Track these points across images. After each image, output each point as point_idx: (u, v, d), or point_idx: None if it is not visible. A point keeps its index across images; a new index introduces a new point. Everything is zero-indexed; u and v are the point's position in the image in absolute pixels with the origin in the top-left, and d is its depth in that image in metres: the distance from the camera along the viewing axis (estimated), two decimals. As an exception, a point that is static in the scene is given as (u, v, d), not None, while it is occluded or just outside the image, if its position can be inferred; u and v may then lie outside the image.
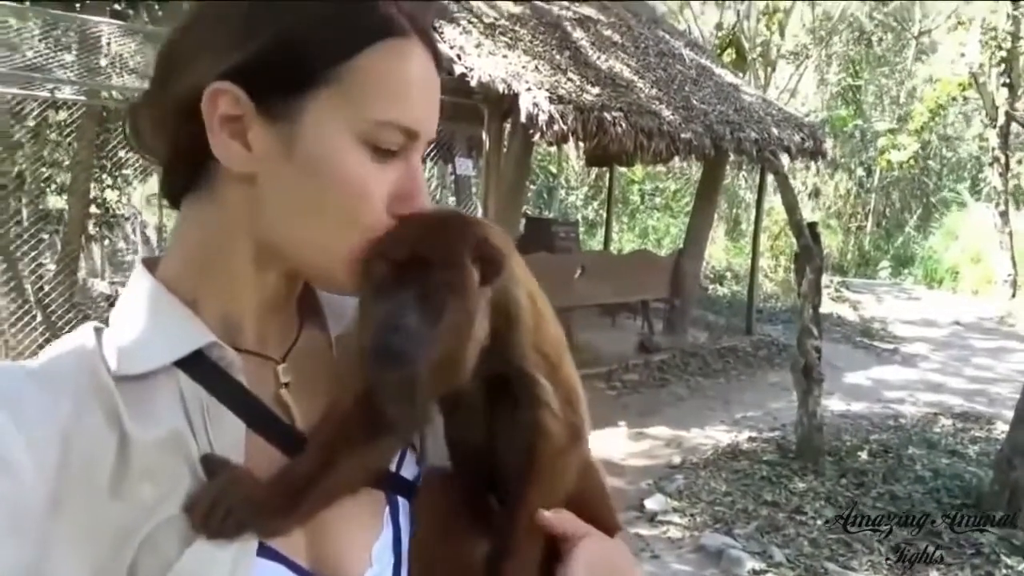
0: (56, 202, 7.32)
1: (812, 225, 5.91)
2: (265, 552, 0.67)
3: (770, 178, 9.40)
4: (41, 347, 0.71)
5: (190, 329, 0.71)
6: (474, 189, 7.68)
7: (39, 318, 5.96)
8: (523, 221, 9.78)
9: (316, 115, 0.67)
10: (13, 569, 0.59)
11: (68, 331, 0.77)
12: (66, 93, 5.90)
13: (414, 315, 0.64)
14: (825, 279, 11.06)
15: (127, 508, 0.63)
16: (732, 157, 9.20)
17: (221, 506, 0.64)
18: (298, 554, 0.69)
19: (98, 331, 0.71)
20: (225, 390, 0.70)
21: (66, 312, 5.98)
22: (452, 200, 8.42)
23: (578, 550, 0.75)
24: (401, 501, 0.77)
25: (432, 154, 8.11)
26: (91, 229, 7.72)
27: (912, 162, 17.05)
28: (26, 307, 5.92)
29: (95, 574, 0.62)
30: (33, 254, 6.11)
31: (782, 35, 17.79)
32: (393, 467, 0.78)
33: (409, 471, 0.79)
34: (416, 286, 0.65)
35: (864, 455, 5.79)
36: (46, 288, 6.11)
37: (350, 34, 0.67)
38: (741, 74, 12.64)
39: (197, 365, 0.70)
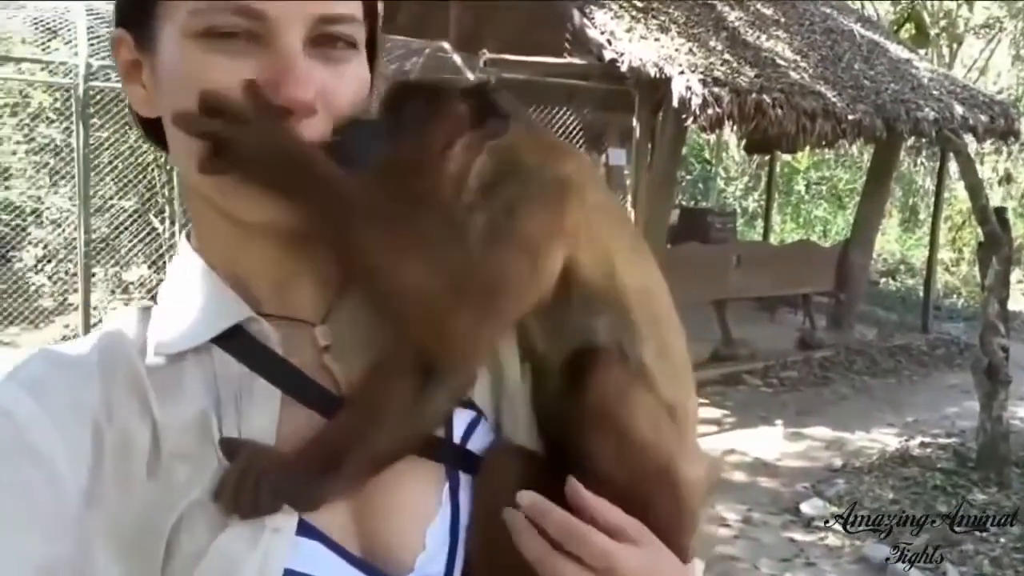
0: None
1: (1000, 210, 5.30)
2: (305, 531, 0.62)
3: (953, 165, 8.60)
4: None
5: (225, 304, 0.68)
6: (628, 181, 7.54)
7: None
8: (677, 212, 9.54)
9: (165, 30, 0.64)
10: (51, 564, 0.58)
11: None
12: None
13: (378, 125, 0.67)
14: (1017, 274, 10.00)
15: (163, 490, 0.62)
16: (909, 140, 8.49)
17: (249, 480, 0.59)
18: (342, 534, 0.64)
19: (144, 311, 0.71)
20: (259, 362, 0.66)
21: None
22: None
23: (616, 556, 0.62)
24: (464, 477, 0.69)
25: (582, 144, 8.04)
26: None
27: None
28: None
29: (133, 560, 0.60)
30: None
31: (970, 8, 16.19)
32: (458, 439, 0.70)
33: (478, 444, 0.71)
34: (394, 112, 0.68)
35: (1061, 469, 5.17)
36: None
37: None
38: (923, 52, 11.60)
39: (232, 339, 0.67)
